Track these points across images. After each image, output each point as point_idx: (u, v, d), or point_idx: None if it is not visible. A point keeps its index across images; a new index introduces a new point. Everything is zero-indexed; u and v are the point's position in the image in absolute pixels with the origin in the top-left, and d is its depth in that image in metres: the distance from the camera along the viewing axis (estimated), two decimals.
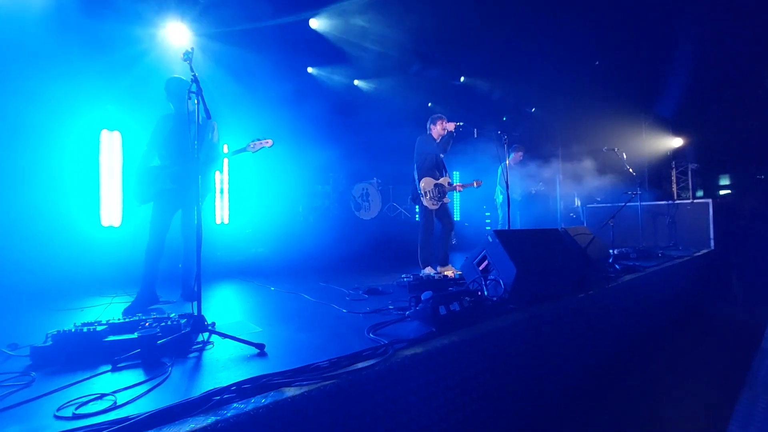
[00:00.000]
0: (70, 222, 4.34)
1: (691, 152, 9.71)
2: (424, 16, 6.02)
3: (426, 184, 4.50)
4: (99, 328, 1.89)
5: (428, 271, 4.39)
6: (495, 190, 6.76)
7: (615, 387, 3.22)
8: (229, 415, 1.19)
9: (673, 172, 9.60)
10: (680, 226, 7.57)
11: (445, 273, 3.97)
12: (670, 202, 7.92)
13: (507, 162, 6.72)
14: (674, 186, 9.57)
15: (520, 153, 6.86)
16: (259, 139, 3.15)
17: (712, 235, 7.20)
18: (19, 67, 4.01)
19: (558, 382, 2.60)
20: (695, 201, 7.65)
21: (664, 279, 4.55)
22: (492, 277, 2.69)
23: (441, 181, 4.58)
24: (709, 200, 7.41)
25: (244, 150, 3.15)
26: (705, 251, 6.62)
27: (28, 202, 4.03)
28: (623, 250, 5.34)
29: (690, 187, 9.25)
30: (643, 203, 7.63)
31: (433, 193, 4.48)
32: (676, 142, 9.94)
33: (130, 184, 3.27)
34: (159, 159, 3.32)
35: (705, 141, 9.79)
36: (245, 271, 5.18)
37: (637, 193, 5.74)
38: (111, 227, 4.67)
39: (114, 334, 1.90)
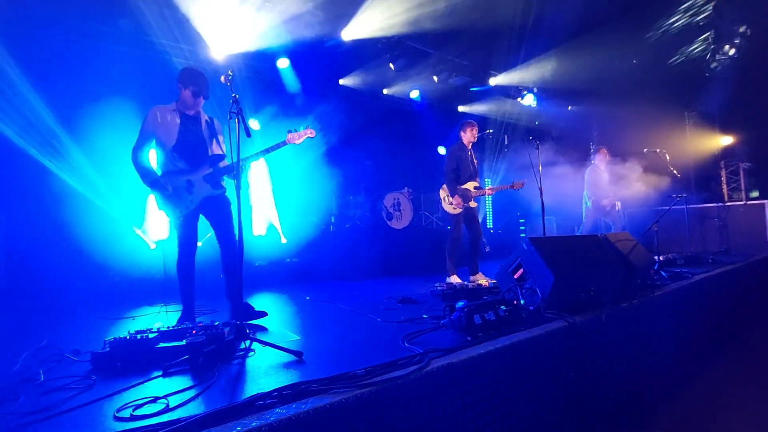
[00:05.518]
0: (124, 239, 4.67)
1: (742, 150, 9.08)
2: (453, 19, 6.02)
3: (443, 191, 4.60)
4: (151, 336, 2.01)
5: (453, 279, 4.33)
6: (583, 195, 6.35)
7: (666, 402, 3.05)
8: (271, 419, 1.24)
9: (723, 172, 9.00)
10: (732, 229, 7.07)
11: (479, 282, 3.92)
12: (720, 204, 7.43)
13: (594, 162, 6.28)
14: (724, 187, 8.96)
15: (605, 152, 6.25)
16: (296, 130, 2.85)
17: None
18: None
19: (602, 395, 2.50)
20: (749, 202, 7.14)
21: (716, 287, 4.26)
22: (528, 285, 2.64)
23: (467, 185, 4.53)
24: (765, 201, 6.90)
25: (281, 145, 2.84)
26: (763, 256, 6.14)
27: (82, 220, 4.36)
28: (669, 256, 5.05)
29: (742, 187, 8.63)
30: (690, 206, 7.20)
31: (449, 199, 4.49)
32: (725, 140, 9.34)
33: (158, 198, 2.82)
34: (169, 162, 2.78)
35: (758, 138, 9.11)
36: (281, 281, 5.33)
37: (682, 196, 5.43)
38: (159, 240, 4.97)
39: (164, 341, 2.02)
